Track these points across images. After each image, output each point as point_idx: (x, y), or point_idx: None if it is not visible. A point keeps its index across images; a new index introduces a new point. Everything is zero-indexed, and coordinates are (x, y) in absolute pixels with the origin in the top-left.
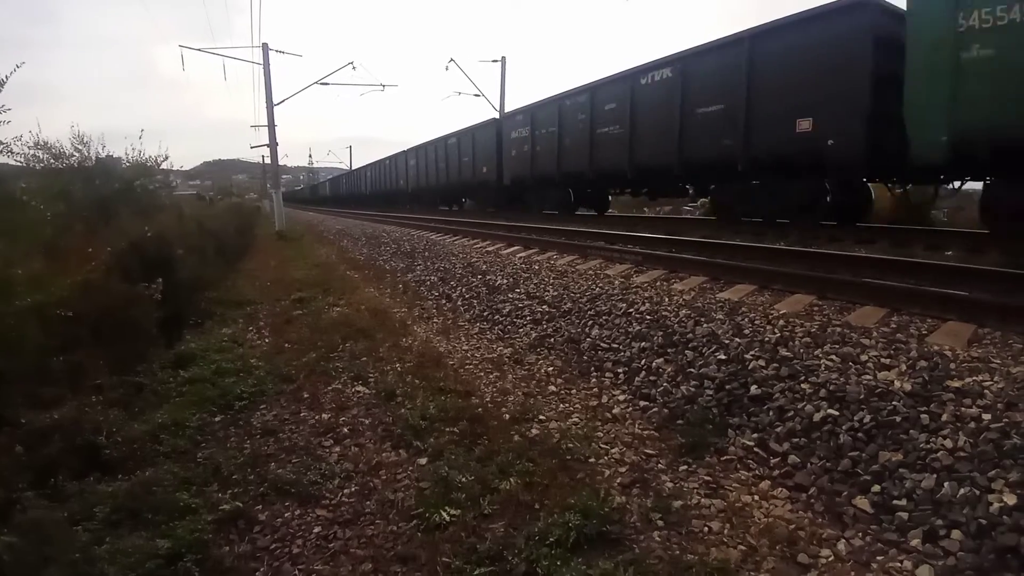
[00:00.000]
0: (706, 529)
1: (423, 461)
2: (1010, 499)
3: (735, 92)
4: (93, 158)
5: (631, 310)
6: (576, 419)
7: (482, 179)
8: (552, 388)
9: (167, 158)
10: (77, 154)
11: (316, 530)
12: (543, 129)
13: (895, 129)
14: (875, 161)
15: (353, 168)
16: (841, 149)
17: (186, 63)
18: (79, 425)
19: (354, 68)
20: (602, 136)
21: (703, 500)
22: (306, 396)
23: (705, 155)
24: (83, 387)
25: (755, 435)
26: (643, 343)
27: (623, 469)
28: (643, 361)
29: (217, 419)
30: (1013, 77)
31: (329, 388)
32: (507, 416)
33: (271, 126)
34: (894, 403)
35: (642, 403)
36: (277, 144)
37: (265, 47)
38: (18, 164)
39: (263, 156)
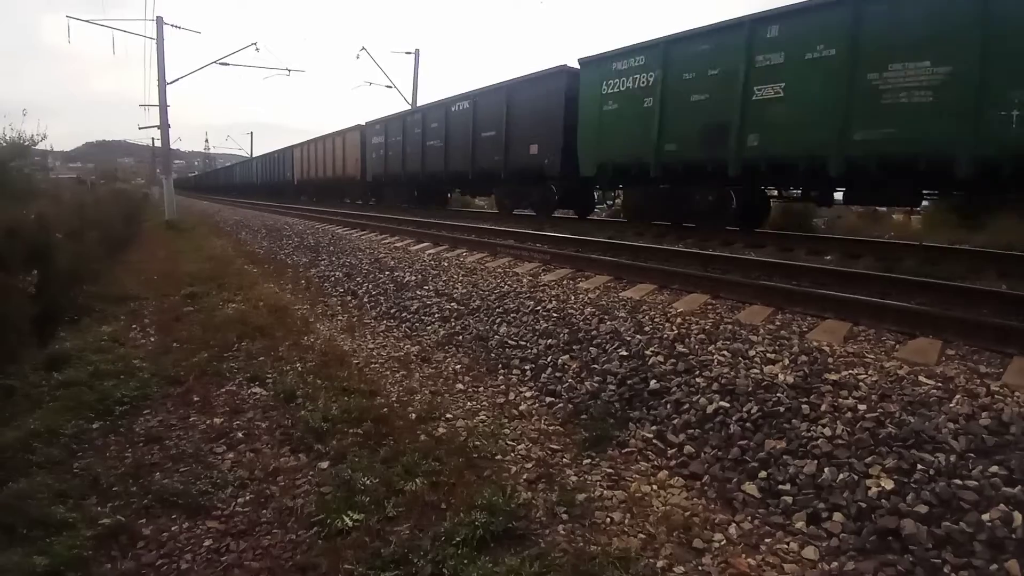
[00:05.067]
0: (608, 520)
1: (324, 465)
2: (887, 484)
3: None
4: None
5: (539, 308)
6: (483, 417)
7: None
8: (460, 386)
9: (44, 137)
10: None
11: (207, 543)
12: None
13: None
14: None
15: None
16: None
17: (72, 35)
18: None
19: (257, 50)
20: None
21: (605, 492)
22: (196, 399)
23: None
24: None
25: (654, 427)
26: (550, 340)
27: (529, 465)
28: (549, 358)
29: (95, 426)
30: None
31: (222, 390)
32: (413, 415)
33: (163, 106)
34: (778, 395)
35: (548, 399)
36: (169, 126)
37: (159, 20)
38: None
39: (153, 139)
